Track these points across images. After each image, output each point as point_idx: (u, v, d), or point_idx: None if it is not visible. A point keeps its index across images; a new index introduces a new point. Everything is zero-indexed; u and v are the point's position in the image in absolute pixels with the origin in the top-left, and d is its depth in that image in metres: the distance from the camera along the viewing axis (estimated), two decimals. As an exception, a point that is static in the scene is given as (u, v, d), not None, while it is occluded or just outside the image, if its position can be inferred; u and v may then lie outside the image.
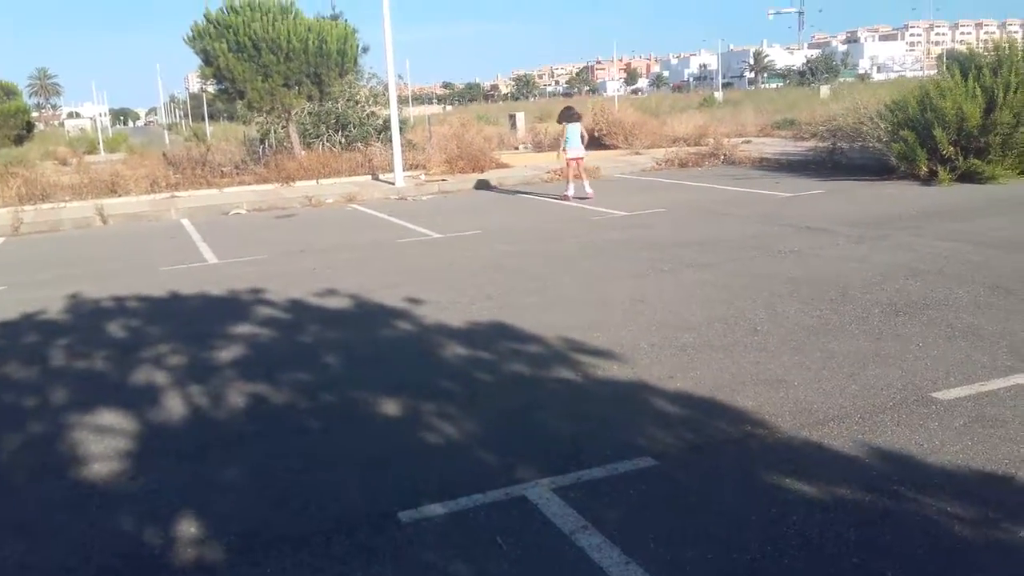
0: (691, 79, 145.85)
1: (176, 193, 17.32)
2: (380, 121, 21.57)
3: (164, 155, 22.98)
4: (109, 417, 5.02)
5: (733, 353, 5.56)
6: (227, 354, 6.19)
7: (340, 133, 21.23)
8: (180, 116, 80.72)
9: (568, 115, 14.58)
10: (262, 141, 21.80)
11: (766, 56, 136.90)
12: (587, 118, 21.53)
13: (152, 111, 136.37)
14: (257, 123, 22.33)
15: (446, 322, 6.73)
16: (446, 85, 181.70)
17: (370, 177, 18.57)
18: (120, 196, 17.03)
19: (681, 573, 3.13)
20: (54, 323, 7.53)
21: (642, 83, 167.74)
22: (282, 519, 3.69)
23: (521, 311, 6.94)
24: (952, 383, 4.79)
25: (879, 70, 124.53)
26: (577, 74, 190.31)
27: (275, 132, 21.29)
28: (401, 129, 18.40)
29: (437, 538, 3.46)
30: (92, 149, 39.82)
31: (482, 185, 17.31)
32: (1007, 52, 13.82)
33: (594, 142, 21.00)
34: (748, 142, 21.71)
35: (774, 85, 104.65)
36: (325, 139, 21.02)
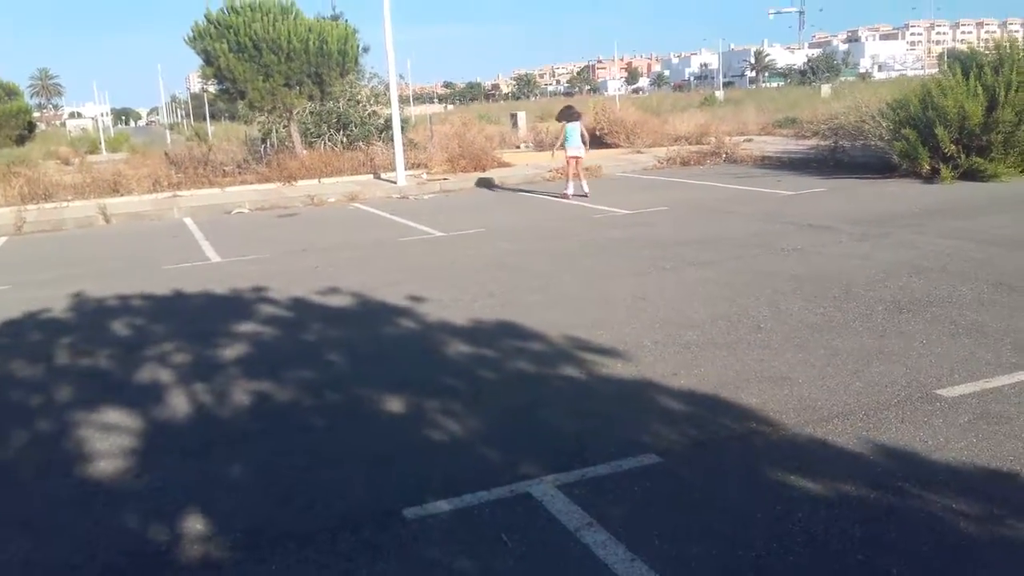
0: (692, 78, 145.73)
1: (178, 192, 17.34)
2: (381, 120, 21.59)
3: (166, 155, 22.98)
4: (114, 415, 5.03)
5: (737, 350, 5.56)
6: (231, 352, 6.20)
7: (342, 132, 21.25)
8: (182, 116, 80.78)
9: (567, 114, 14.62)
10: (264, 141, 21.81)
11: (767, 55, 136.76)
12: (589, 117, 21.58)
13: (154, 111, 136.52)
14: (259, 123, 22.35)
15: (449, 320, 6.73)
16: (447, 84, 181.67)
17: (372, 176, 18.58)
18: (122, 195, 17.05)
19: (686, 570, 3.13)
20: (58, 322, 7.53)
21: (643, 82, 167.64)
22: (287, 516, 3.70)
23: (524, 309, 6.94)
24: (956, 380, 4.79)
25: (880, 69, 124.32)
26: (578, 73, 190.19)
27: (277, 132, 21.30)
28: (403, 128, 18.40)
29: (442, 535, 3.46)
30: (94, 149, 39.85)
31: (484, 184, 17.32)
32: (1008, 51, 13.82)
33: (596, 141, 21.02)
34: (750, 140, 21.72)
35: (775, 84, 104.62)
36: (327, 138, 21.04)
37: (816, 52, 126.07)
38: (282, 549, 3.42)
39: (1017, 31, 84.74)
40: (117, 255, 11.47)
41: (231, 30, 18.08)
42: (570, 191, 14.25)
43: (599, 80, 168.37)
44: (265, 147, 21.38)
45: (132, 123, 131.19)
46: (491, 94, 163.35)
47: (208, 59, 18.65)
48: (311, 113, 21.03)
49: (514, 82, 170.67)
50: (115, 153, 35.63)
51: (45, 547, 3.57)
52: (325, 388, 5.33)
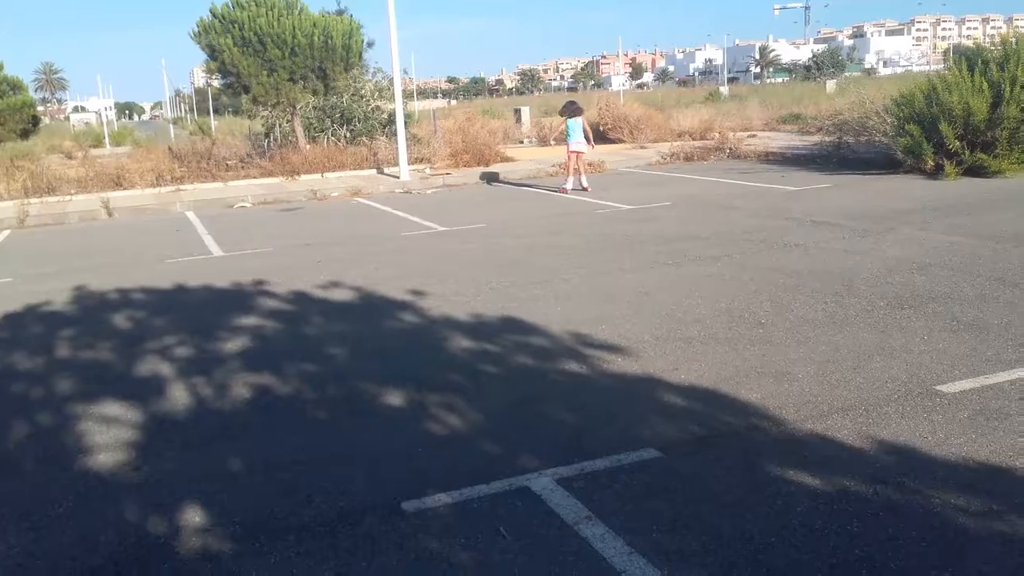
0: (696, 74, 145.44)
1: (181, 186, 17.36)
2: (385, 115, 21.60)
3: (169, 149, 22.98)
4: (115, 407, 5.04)
5: (738, 346, 5.55)
6: (232, 345, 6.21)
7: (345, 127, 21.25)
8: (185, 110, 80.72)
9: (570, 109, 14.63)
10: (267, 135, 21.83)
11: (772, 51, 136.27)
12: (592, 112, 21.56)
13: (157, 105, 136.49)
14: (262, 117, 22.35)
15: (451, 314, 6.74)
16: (451, 79, 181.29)
17: (375, 171, 18.58)
18: (126, 189, 17.08)
19: (684, 564, 3.13)
20: (60, 314, 7.55)
21: (647, 77, 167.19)
22: (287, 509, 3.70)
23: (526, 303, 6.95)
24: (957, 376, 4.79)
25: (885, 65, 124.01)
26: (582, 68, 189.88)
27: (280, 126, 21.32)
28: (406, 123, 18.40)
29: (441, 528, 3.46)
30: (98, 143, 39.87)
31: (487, 178, 17.31)
32: (1014, 47, 13.75)
33: (599, 136, 21.00)
34: (754, 136, 21.69)
35: (780, 80, 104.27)
36: (330, 133, 21.04)
37: (821, 48, 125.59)
38: (282, 541, 3.43)
39: (1022, 27, 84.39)
40: (120, 248, 11.48)
41: (236, 25, 18.08)
42: (568, 186, 14.32)
43: (603, 75, 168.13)
44: (268, 142, 21.41)
45: (136, 117, 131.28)
46: (495, 89, 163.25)
47: (213, 54, 18.66)
48: (315, 108, 21.03)
49: (518, 77, 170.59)
50: (119, 147, 35.66)
51: (46, 539, 3.58)
52: (326, 381, 5.34)
